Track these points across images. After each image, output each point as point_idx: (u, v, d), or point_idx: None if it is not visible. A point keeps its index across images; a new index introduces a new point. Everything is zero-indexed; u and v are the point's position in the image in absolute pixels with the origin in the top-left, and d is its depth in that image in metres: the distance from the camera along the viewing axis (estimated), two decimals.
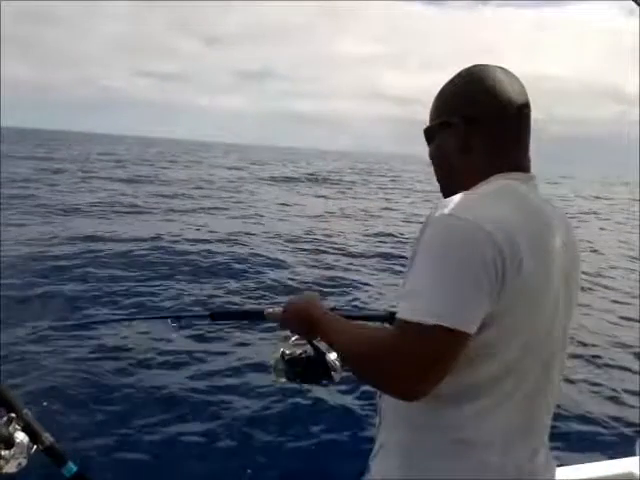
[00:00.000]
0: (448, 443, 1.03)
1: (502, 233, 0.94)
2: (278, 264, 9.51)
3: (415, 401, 0.98)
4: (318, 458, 3.98)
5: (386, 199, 23.55)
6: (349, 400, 4.63)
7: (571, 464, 2.07)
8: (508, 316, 0.97)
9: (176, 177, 26.48)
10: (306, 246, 11.37)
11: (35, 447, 1.15)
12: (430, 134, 1.19)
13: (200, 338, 5.63)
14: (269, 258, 9.86)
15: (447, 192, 1.13)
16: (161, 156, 48.90)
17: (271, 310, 1.36)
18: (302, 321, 1.23)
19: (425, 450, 1.05)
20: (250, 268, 9.09)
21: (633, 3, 1.40)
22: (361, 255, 10.86)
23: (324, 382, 1.34)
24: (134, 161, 37.73)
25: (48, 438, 1.16)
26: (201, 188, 22.02)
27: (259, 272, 8.87)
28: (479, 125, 1.10)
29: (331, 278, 8.79)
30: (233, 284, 8.12)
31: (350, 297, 7.84)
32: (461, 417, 1.02)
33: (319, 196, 22.92)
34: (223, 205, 17.19)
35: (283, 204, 18.66)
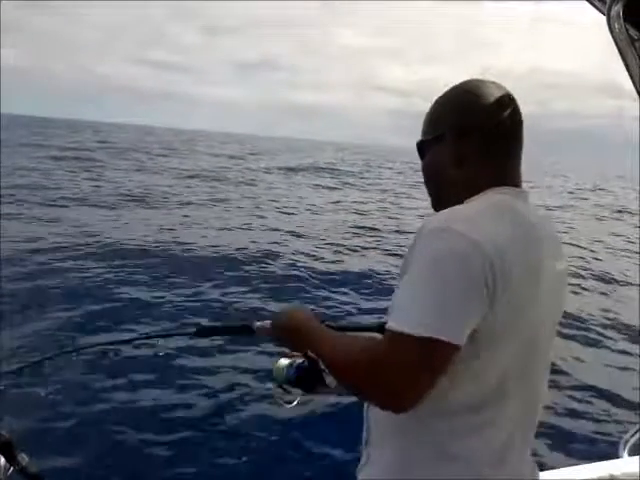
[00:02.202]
0: (434, 458, 1.03)
1: (493, 246, 0.94)
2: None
3: (402, 413, 0.97)
4: (307, 470, 3.99)
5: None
6: (339, 412, 4.61)
7: (552, 468, 2.08)
8: (496, 329, 0.97)
9: (181, 167, 26.30)
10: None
11: (12, 468, 1.16)
12: (423, 148, 1.20)
13: (192, 351, 5.53)
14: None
15: (439, 206, 1.14)
16: (165, 145, 48.71)
17: (260, 324, 1.37)
18: (290, 335, 1.24)
19: (411, 464, 1.05)
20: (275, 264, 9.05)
21: None
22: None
23: (320, 393, 1.34)
24: (136, 149, 37.75)
25: (24, 458, 1.17)
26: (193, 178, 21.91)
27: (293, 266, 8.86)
28: (472, 139, 1.11)
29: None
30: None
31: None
32: (448, 432, 1.02)
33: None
34: (233, 197, 17.15)
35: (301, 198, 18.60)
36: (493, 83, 1.15)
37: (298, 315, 1.25)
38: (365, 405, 1.16)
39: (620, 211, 23.52)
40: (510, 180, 1.11)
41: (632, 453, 2.13)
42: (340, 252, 10.53)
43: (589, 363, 6.79)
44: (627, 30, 1.39)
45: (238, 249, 9.77)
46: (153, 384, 4.94)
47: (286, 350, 1.35)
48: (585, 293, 9.51)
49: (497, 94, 1.12)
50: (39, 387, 4.47)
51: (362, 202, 18.64)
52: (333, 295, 7.71)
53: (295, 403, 1.37)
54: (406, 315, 0.94)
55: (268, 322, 1.34)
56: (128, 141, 51.11)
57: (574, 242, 13.29)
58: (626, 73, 1.50)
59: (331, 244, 11.14)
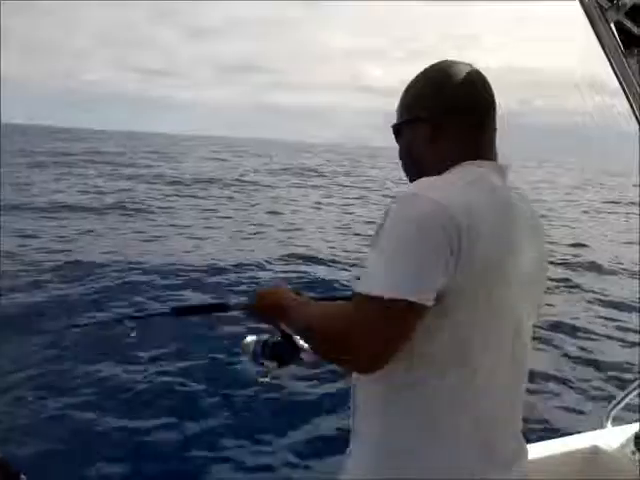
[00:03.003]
0: (421, 426, 1.04)
1: (461, 211, 0.96)
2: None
3: (370, 373, 1.00)
4: (297, 451, 4.01)
5: None
6: (328, 391, 4.70)
7: (538, 441, 2.08)
8: (462, 293, 0.98)
9: (177, 173, 25.96)
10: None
11: None
12: (399, 130, 1.22)
13: (166, 336, 5.59)
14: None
15: None
16: (151, 151, 48.04)
17: (235, 302, 1.41)
18: (270, 309, 1.27)
19: (398, 434, 1.06)
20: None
21: None
22: None
23: (294, 364, 1.38)
24: (127, 156, 36.90)
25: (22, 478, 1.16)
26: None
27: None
28: (447, 117, 1.13)
29: None
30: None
31: None
32: (431, 396, 1.03)
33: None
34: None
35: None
36: (464, 63, 1.17)
37: (278, 290, 1.29)
38: (352, 387, 1.17)
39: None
40: (485, 154, 1.13)
41: (616, 424, 2.15)
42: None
43: (576, 334, 7.00)
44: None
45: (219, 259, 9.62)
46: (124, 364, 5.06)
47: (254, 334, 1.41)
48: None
49: (468, 73, 1.15)
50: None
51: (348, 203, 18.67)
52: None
53: (268, 378, 1.40)
54: (372, 278, 0.96)
55: (245, 299, 1.39)
56: (113, 147, 50.57)
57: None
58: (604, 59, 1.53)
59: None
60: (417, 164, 1.18)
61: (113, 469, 3.68)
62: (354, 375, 1.16)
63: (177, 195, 18.28)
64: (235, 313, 1.42)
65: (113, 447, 3.92)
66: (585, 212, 20.84)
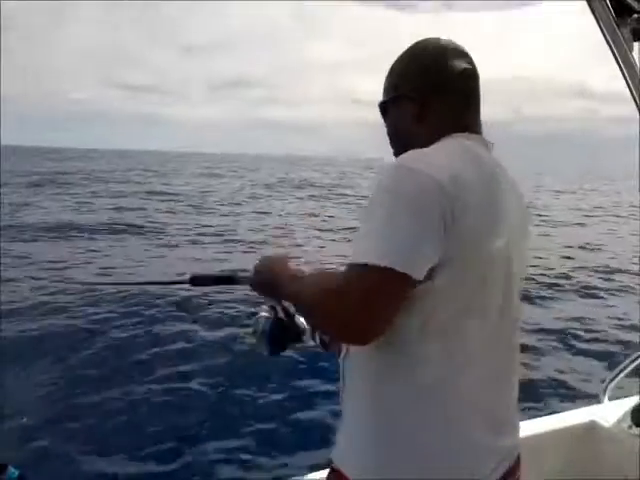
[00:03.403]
0: (413, 393, 1.04)
1: (451, 181, 0.96)
2: None
3: (365, 344, 0.99)
4: (290, 430, 4.09)
5: None
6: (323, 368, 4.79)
7: (534, 417, 2.10)
8: (454, 264, 0.98)
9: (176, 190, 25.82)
10: None
11: None
12: (385, 108, 1.23)
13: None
14: None
15: None
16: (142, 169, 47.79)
17: (243, 274, 1.40)
18: (266, 282, 1.26)
19: (389, 402, 1.05)
20: None
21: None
22: None
23: (294, 344, 1.36)
24: (118, 177, 36.35)
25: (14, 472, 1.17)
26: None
27: None
28: (432, 93, 1.15)
29: None
30: None
31: None
32: (422, 367, 1.03)
33: None
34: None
35: None
36: (448, 40, 1.19)
37: (279, 262, 1.26)
38: (341, 365, 1.17)
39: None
40: (470, 128, 1.15)
41: (613, 398, 2.15)
42: None
43: (572, 309, 7.07)
44: None
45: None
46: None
47: (263, 304, 1.38)
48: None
49: (452, 49, 1.17)
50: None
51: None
52: None
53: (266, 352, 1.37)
54: (365, 247, 0.95)
55: (251, 272, 1.36)
56: (104, 166, 50.41)
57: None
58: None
59: None
60: (405, 141, 1.17)
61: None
62: (342, 354, 1.17)
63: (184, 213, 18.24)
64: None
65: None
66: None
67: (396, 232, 0.94)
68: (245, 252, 11.39)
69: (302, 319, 1.35)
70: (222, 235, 13.59)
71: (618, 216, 21.49)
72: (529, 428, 1.92)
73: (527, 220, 1.21)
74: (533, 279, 8.98)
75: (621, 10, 1.55)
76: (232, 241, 12.71)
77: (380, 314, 0.95)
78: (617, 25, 1.56)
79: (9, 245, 10.90)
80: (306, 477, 1.60)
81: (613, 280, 9.79)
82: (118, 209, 18.05)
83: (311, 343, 1.39)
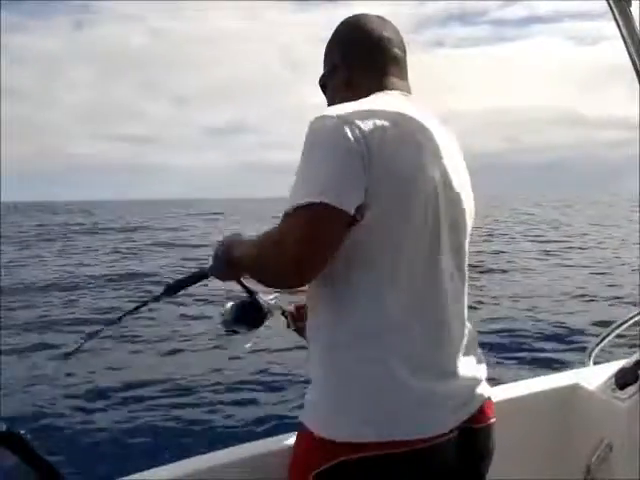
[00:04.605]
0: (349, 335, 1.07)
1: (367, 123, 1.01)
2: None
3: (304, 282, 1.04)
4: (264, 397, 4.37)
5: None
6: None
7: (517, 380, 2.08)
8: (380, 199, 1.01)
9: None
10: None
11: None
12: (323, 85, 1.31)
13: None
14: None
15: None
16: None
17: (207, 266, 1.39)
18: (221, 261, 1.28)
19: (331, 350, 1.09)
20: None
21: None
22: None
23: (259, 324, 1.38)
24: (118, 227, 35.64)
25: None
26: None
27: None
28: (356, 59, 1.23)
29: None
30: None
31: None
32: (361, 307, 1.06)
33: None
34: None
35: None
36: (369, 14, 1.26)
37: (231, 240, 1.29)
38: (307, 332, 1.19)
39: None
40: (394, 88, 1.20)
41: (598, 362, 2.12)
42: None
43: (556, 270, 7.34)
44: None
45: None
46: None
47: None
48: None
49: (375, 20, 1.24)
50: None
51: None
52: None
53: (250, 344, 1.41)
54: (293, 194, 1.00)
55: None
56: (104, 218, 50.67)
57: None
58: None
59: None
60: None
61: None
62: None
63: None
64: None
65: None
66: None
67: (317, 172, 1.00)
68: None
69: (265, 297, 1.38)
70: None
71: None
72: (511, 390, 1.91)
73: (461, 158, 1.23)
74: None
75: None
76: None
77: (314, 252, 0.98)
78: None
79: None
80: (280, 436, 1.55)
81: None
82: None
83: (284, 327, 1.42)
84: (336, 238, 1.00)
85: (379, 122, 1.03)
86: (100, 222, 38.53)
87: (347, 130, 1.00)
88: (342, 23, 1.28)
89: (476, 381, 1.19)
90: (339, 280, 1.07)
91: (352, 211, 0.98)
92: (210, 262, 1.33)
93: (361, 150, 0.99)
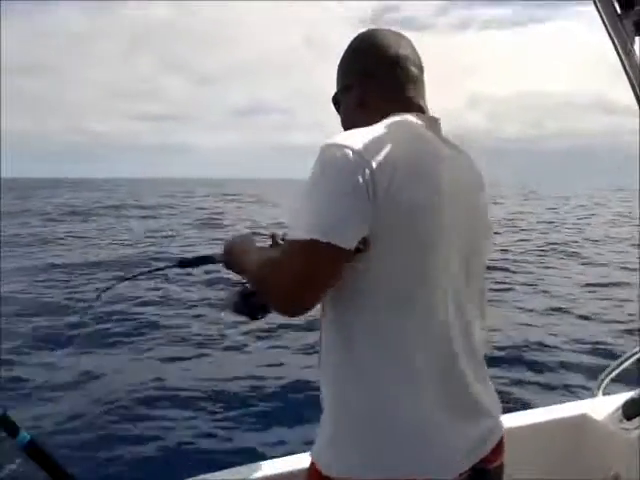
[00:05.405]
0: (356, 371, 1.04)
1: (373, 151, 0.99)
2: None
3: (297, 315, 1.02)
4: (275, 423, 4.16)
5: None
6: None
7: (527, 408, 2.10)
8: (389, 231, 0.99)
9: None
10: None
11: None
12: (336, 103, 1.27)
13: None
14: None
15: None
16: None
17: (218, 254, 1.47)
18: (230, 259, 1.34)
19: (340, 384, 1.07)
20: None
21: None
22: None
23: (259, 316, 1.42)
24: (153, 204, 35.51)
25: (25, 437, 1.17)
26: None
27: None
28: (371, 79, 1.18)
29: None
30: None
31: None
32: (367, 344, 1.03)
33: None
34: None
35: None
36: (389, 30, 1.22)
37: (242, 239, 1.36)
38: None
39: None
40: (411, 110, 1.16)
41: (607, 393, 2.13)
42: None
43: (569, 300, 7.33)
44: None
45: None
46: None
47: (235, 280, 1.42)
48: None
49: (390, 37, 1.19)
50: None
51: None
52: None
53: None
54: (295, 224, 1.01)
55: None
56: (130, 195, 51.16)
57: None
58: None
59: None
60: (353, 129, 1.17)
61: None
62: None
63: None
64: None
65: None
66: None
67: (323, 207, 0.98)
68: None
69: None
70: None
71: None
72: (521, 419, 1.94)
73: (481, 195, 1.20)
74: None
75: (624, 2, 1.50)
76: None
77: (310, 287, 0.99)
78: (619, 17, 1.53)
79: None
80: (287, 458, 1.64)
81: None
82: None
83: None
84: (334, 276, 1.00)
85: (391, 155, 1.00)
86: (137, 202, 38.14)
87: (357, 165, 0.97)
88: (356, 39, 1.23)
89: (491, 420, 1.16)
90: (345, 313, 1.05)
91: (353, 247, 0.97)
92: (220, 252, 1.41)
93: (369, 186, 0.96)
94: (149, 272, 1.85)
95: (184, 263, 1.59)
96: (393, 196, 0.98)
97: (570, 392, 4.63)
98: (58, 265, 12.36)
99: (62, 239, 17.33)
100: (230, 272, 1.39)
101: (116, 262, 12.41)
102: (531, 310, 7.76)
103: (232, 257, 1.33)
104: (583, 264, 12.53)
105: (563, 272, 11.55)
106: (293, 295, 0.99)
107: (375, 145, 1.00)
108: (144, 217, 25.73)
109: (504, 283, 9.87)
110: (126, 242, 16.56)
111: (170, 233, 17.68)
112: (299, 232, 0.98)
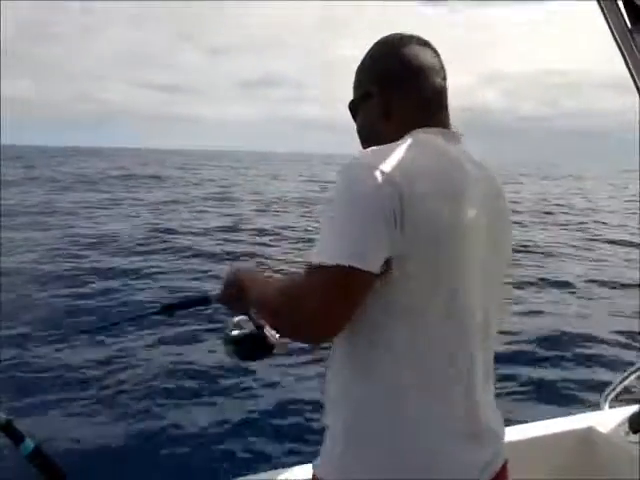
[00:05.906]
0: (382, 393, 1.03)
1: (401, 173, 0.96)
2: None
3: (322, 342, 1.01)
4: (272, 442, 4.10)
5: None
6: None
7: (531, 421, 2.09)
8: (411, 258, 0.98)
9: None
10: None
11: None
12: (354, 109, 1.23)
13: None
14: None
15: None
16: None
17: (213, 293, 1.39)
18: (231, 292, 1.27)
19: (355, 401, 1.05)
20: None
21: None
22: None
23: (263, 356, 1.37)
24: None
25: (2, 417, 1.17)
26: None
27: None
28: (395, 89, 1.14)
29: None
30: None
31: None
32: (388, 364, 1.02)
33: None
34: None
35: None
36: (413, 36, 1.18)
37: (243, 272, 1.28)
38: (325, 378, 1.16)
39: None
40: (435, 123, 1.13)
41: (613, 406, 2.13)
42: None
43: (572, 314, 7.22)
44: None
45: None
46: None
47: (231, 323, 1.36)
48: None
49: (415, 45, 1.16)
50: None
51: None
52: None
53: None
54: (319, 248, 0.97)
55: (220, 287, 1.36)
56: (138, 165, 51.13)
57: None
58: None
59: None
60: (374, 140, 1.13)
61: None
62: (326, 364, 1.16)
63: None
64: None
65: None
66: None
67: (347, 230, 0.95)
68: None
69: (272, 331, 1.33)
70: None
71: None
72: (526, 431, 1.95)
73: (505, 211, 1.19)
74: None
75: (635, 17, 1.50)
76: None
77: (334, 313, 0.97)
78: (630, 32, 1.52)
79: None
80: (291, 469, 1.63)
81: None
82: None
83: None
84: (358, 300, 0.97)
85: (420, 180, 0.97)
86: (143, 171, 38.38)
87: (386, 190, 0.94)
88: (378, 44, 1.18)
89: (499, 440, 1.15)
90: (367, 333, 1.03)
91: (378, 270, 0.96)
92: (219, 289, 1.33)
93: (397, 214, 0.94)
94: (130, 319, 2.18)
95: (172, 307, 1.44)
96: (421, 222, 0.96)
97: (576, 405, 4.66)
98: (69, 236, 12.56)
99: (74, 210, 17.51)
100: (231, 310, 1.34)
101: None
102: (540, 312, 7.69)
103: (237, 289, 1.25)
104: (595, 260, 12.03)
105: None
106: (321, 322, 0.97)
107: (404, 168, 0.97)
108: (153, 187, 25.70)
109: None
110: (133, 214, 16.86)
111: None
112: (324, 257, 0.95)
